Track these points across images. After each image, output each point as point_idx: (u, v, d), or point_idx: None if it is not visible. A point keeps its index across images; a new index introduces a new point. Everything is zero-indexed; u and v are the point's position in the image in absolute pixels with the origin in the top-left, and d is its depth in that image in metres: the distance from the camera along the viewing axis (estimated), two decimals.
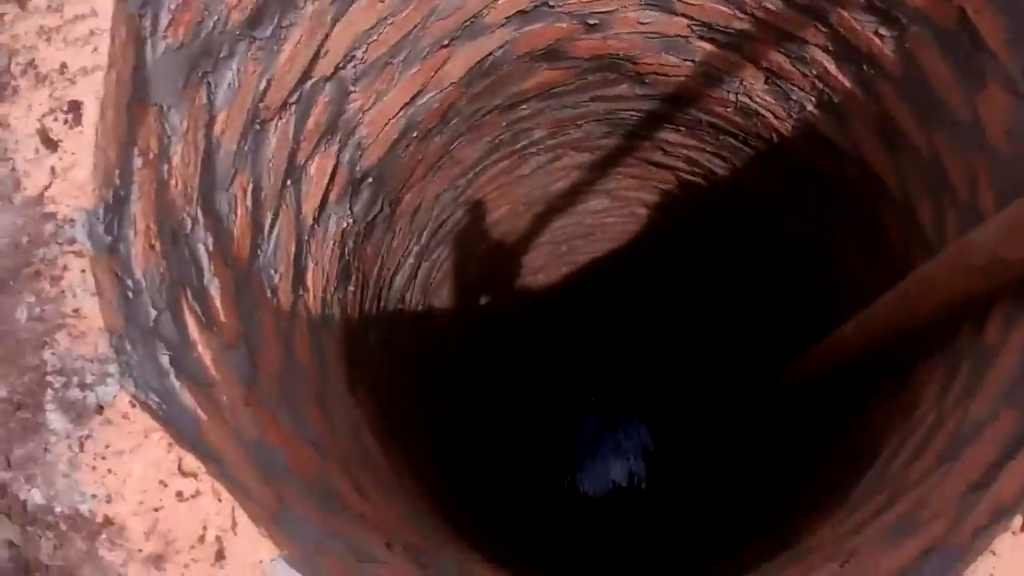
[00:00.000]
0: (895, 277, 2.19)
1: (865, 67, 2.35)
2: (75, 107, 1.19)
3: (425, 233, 3.05)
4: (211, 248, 1.51)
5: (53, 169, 1.17)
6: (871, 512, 1.73)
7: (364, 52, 1.99)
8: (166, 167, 1.38)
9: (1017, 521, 1.07)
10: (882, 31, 2.19)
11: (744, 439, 4.88)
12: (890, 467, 1.92)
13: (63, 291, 1.14)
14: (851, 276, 3.07)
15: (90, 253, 1.16)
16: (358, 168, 2.24)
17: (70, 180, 1.17)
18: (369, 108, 2.16)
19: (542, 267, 4.72)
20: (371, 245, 2.52)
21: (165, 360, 1.24)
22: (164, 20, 1.32)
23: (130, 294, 1.23)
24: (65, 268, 1.15)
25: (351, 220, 2.30)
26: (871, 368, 2.59)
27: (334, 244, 2.20)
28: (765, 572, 1.87)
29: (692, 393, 5.84)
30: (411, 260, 3.01)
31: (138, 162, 1.29)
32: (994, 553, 1.07)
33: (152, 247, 1.31)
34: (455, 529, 2.48)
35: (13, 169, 1.18)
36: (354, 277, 2.39)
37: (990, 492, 1.23)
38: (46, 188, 1.17)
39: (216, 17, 1.45)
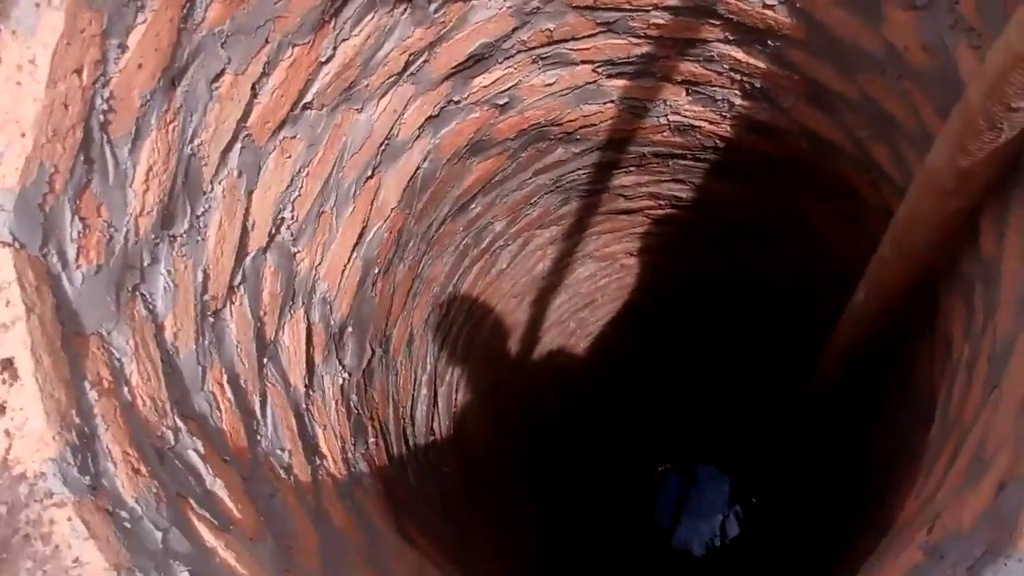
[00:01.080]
0: (879, 230, 2.16)
1: (770, 42, 2.34)
2: (8, 364, 1.16)
3: (428, 360, 3.02)
4: (203, 451, 1.48)
5: (7, 431, 1.15)
6: (944, 467, 1.67)
7: (292, 211, 1.98)
8: (126, 390, 1.35)
9: None
10: (769, 0, 2.19)
11: (815, 447, 4.80)
12: (948, 416, 1.86)
13: (57, 546, 1.11)
14: (837, 247, 3.03)
15: (71, 499, 1.13)
16: (333, 322, 2.21)
17: (28, 435, 1.14)
18: (320, 262, 2.14)
19: (560, 350, 4.67)
20: (376, 391, 2.48)
21: None
22: (71, 251, 1.31)
23: (128, 524, 1.20)
24: (52, 522, 1.11)
25: (346, 374, 2.27)
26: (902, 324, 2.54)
27: (337, 403, 2.17)
28: (870, 567, 1.79)
29: (747, 419, 5.77)
30: (424, 390, 2.97)
31: (93, 395, 1.26)
32: None
33: (137, 472, 1.28)
34: None
35: None
36: (370, 427, 2.35)
37: None
38: (7, 451, 1.14)
39: (125, 230, 1.43)
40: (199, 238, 1.64)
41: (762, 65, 2.48)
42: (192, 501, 1.37)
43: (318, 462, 1.93)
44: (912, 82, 1.99)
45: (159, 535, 1.23)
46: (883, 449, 3.14)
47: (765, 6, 2.22)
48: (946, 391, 1.99)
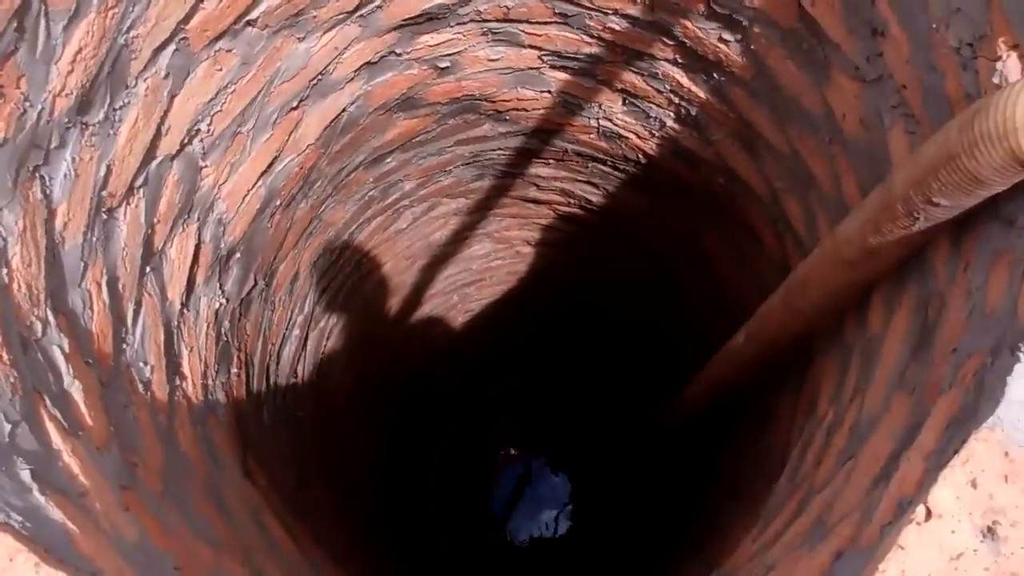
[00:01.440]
0: (775, 281, 2.19)
1: (716, 75, 2.36)
2: None
3: (307, 302, 2.97)
4: (68, 349, 1.42)
5: None
6: (784, 521, 1.71)
7: (209, 124, 1.92)
8: (4, 270, 1.29)
9: (920, 511, 1.05)
10: (726, 36, 2.21)
11: (656, 467, 4.89)
12: (798, 473, 1.90)
13: None
14: (733, 285, 3.08)
15: None
16: (223, 244, 2.16)
17: None
18: (224, 182, 2.08)
19: (438, 319, 4.66)
20: (250, 322, 2.43)
21: (26, 475, 1.16)
22: None
23: None
24: None
25: (224, 299, 2.21)
26: (772, 374, 2.59)
27: (208, 327, 2.12)
28: None
29: (603, 427, 5.86)
30: (296, 331, 2.93)
31: None
32: (902, 548, 1.04)
33: None
34: None
35: None
36: (236, 358, 2.30)
37: (892, 485, 1.21)
38: None
39: (40, 107, 1.37)
40: (111, 131, 1.57)
41: (702, 95, 2.49)
42: (47, 398, 1.31)
43: (178, 382, 1.88)
44: (841, 149, 2.02)
45: (7, 427, 1.18)
46: (725, 484, 3.21)
47: (721, 40, 2.24)
48: (801, 448, 2.04)
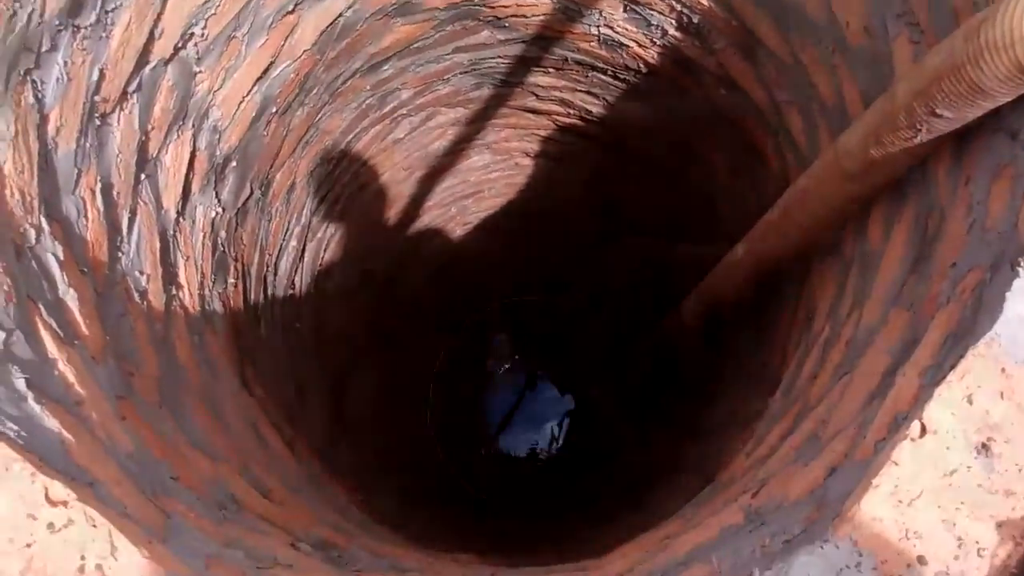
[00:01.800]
0: (774, 194, 2.17)
1: None
2: None
3: (304, 212, 2.96)
4: (62, 257, 1.41)
5: None
6: (779, 436, 1.71)
7: (203, 28, 1.89)
8: None
9: (915, 427, 1.05)
10: None
11: (654, 379, 4.91)
12: (793, 388, 1.91)
13: None
14: (732, 198, 3.06)
15: None
16: (218, 152, 2.13)
17: None
18: (219, 88, 2.05)
19: (437, 231, 4.64)
20: (247, 232, 2.42)
21: (21, 384, 1.16)
22: None
23: None
24: None
25: (220, 208, 2.20)
26: (770, 287, 2.58)
27: (205, 236, 2.11)
28: (685, 512, 1.84)
29: (602, 342, 5.87)
30: (294, 242, 2.91)
31: None
32: (896, 463, 1.05)
33: None
34: (376, 514, 2.42)
35: None
36: (233, 268, 2.29)
37: (887, 401, 1.21)
38: None
39: (30, 9, 1.34)
40: (103, 34, 1.55)
41: (704, 2, 2.45)
42: (41, 306, 1.31)
43: (174, 292, 1.88)
44: (844, 59, 1.99)
45: (2, 335, 1.18)
46: (721, 400, 3.23)
47: None
48: (797, 363, 2.04)
